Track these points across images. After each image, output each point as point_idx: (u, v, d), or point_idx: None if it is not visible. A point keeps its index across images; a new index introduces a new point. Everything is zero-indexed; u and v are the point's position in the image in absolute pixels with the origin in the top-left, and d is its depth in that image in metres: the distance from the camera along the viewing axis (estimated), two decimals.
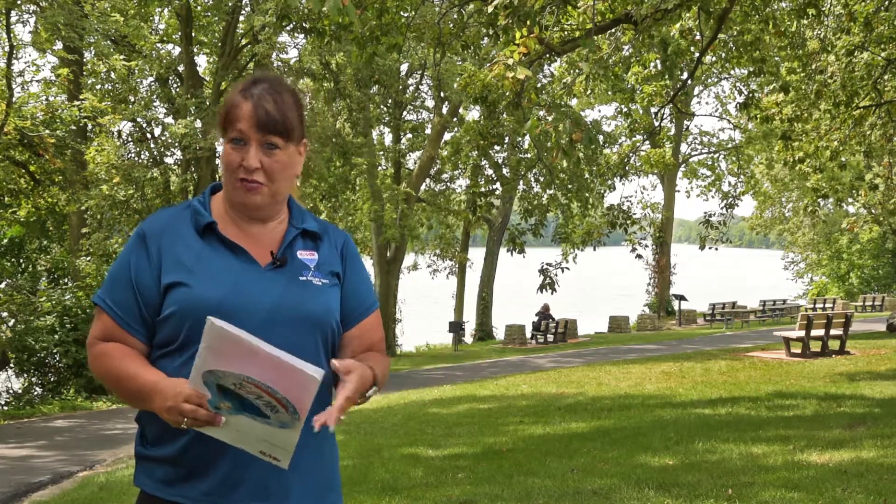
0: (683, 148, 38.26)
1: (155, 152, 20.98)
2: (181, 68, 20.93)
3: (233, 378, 1.63)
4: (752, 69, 11.87)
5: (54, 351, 17.12)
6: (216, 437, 1.74)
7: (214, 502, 1.81)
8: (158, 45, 21.87)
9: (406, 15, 10.80)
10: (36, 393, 17.49)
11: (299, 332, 1.84)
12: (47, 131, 18.23)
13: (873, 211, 32.78)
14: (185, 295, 1.80)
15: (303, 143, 1.95)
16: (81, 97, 18.29)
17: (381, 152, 29.10)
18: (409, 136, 29.85)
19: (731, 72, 28.57)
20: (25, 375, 17.93)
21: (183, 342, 1.81)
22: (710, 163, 39.19)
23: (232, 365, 1.62)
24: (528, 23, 7.64)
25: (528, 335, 27.24)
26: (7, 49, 18.21)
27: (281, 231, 1.95)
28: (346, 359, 1.85)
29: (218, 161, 19.47)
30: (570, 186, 20.70)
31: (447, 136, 28.35)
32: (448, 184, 31.38)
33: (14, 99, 17.69)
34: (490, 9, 8.07)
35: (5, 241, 22.80)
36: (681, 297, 32.06)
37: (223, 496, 1.81)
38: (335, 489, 1.97)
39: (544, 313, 27.28)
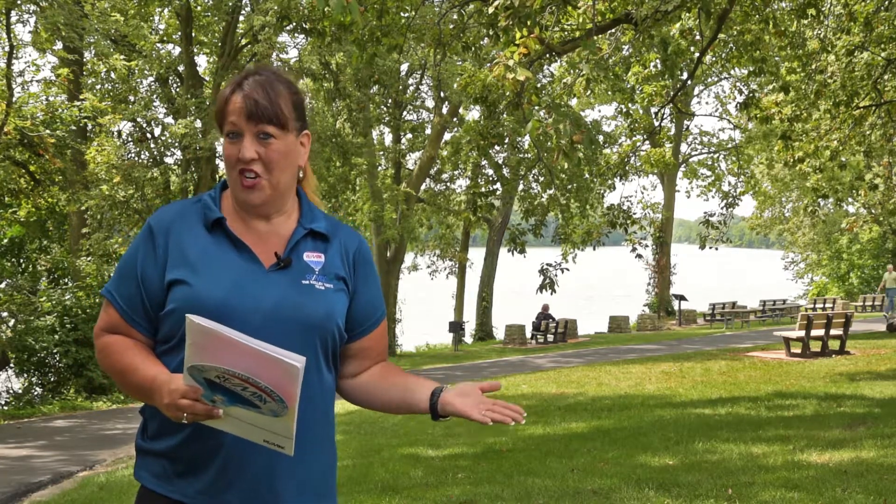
0: (683, 148, 38.25)
1: (155, 152, 20.98)
2: (181, 68, 20.93)
3: (215, 371, 1.64)
4: (752, 69, 11.87)
5: (54, 351, 17.12)
6: (221, 429, 1.75)
7: (208, 503, 1.81)
8: (158, 45, 21.86)
9: (406, 15, 10.80)
10: (36, 393, 17.48)
11: (298, 336, 1.82)
12: (47, 131, 18.21)
13: (873, 211, 32.76)
14: (185, 293, 1.80)
15: (304, 133, 1.93)
16: (81, 97, 18.28)
17: (381, 152, 29.09)
18: (409, 136, 29.83)
19: (731, 72, 28.55)
20: (25, 375, 17.93)
21: (182, 339, 1.79)
22: (710, 163, 39.18)
23: (214, 359, 1.64)
24: (528, 23, 7.64)
25: (528, 335, 27.23)
26: (7, 49, 18.20)
27: (289, 230, 1.92)
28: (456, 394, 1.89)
29: (219, 161, 19.52)
30: (569, 187, 20.71)
31: (447, 136, 28.35)
32: (448, 184, 31.36)
33: (14, 99, 17.67)
34: (490, 9, 8.07)
35: (5, 241, 22.79)
36: (681, 297, 32.03)
37: (214, 497, 1.81)
38: (330, 495, 1.94)
39: (544, 313, 27.27)
